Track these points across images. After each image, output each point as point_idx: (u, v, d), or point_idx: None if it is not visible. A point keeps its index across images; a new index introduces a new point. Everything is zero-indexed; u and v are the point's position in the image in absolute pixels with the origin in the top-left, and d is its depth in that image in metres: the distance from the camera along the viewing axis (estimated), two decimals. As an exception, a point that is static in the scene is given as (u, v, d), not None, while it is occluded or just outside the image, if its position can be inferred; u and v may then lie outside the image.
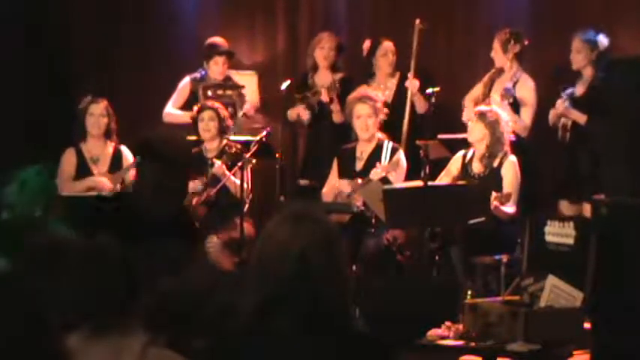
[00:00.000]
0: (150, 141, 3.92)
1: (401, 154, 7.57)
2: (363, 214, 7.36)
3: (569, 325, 5.41)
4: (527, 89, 7.73)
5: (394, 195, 6.82)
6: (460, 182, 7.16)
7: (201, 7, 9.31)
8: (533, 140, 7.75)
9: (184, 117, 8.29)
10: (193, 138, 7.99)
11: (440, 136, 7.59)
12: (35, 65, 8.92)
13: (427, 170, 6.84)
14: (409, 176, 7.47)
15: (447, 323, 5.58)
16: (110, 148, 7.88)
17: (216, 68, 8.44)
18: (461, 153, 7.45)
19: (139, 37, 9.23)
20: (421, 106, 7.93)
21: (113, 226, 2.85)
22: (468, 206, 6.72)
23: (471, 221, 6.76)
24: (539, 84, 7.81)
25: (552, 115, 7.52)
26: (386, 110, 7.71)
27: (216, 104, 7.97)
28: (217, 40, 8.56)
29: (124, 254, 2.92)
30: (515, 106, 7.66)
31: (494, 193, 6.91)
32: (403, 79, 8.09)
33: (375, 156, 7.57)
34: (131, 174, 7.82)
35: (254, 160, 7.59)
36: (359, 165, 7.65)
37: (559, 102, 7.43)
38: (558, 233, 6.02)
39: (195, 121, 7.93)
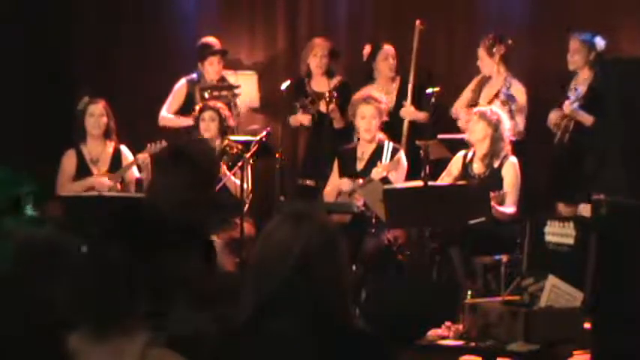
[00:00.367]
0: (186, 150, 3.90)
1: (402, 155, 7.58)
2: (363, 214, 7.36)
3: (569, 325, 5.40)
4: (519, 94, 7.71)
5: (394, 195, 6.82)
6: (460, 182, 7.17)
7: (201, 8, 9.30)
8: (530, 141, 7.74)
9: (180, 121, 8.29)
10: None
11: (440, 136, 7.59)
12: (35, 65, 8.91)
13: (427, 170, 6.84)
14: (409, 176, 7.48)
15: (447, 323, 5.58)
16: (110, 147, 7.88)
17: (212, 68, 8.41)
18: (461, 153, 7.45)
19: (139, 37, 9.23)
20: (421, 119, 7.95)
21: (126, 233, 2.83)
22: (468, 206, 6.72)
23: (471, 221, 6.77)
24: (535, 85, 7.80)
25: (556, 116, 7.48)
26: (385, 119, 7.70)
27: (218, 104, 7.96)
28: (210, 40, 8.52)
29: (125, 255, 2.91)
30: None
31: (491, 194, 6.92)
32: (404, 83, 8.09)
33: (376, 156, 7.57)
34: (131, 173, 7.86)
35: (251, 161, 7.58)
36: (360, 165, 7.65)
37: (567, 103, 7.39)
38: (558, 233, 6.03)
39: (197, 121, 7.93)
